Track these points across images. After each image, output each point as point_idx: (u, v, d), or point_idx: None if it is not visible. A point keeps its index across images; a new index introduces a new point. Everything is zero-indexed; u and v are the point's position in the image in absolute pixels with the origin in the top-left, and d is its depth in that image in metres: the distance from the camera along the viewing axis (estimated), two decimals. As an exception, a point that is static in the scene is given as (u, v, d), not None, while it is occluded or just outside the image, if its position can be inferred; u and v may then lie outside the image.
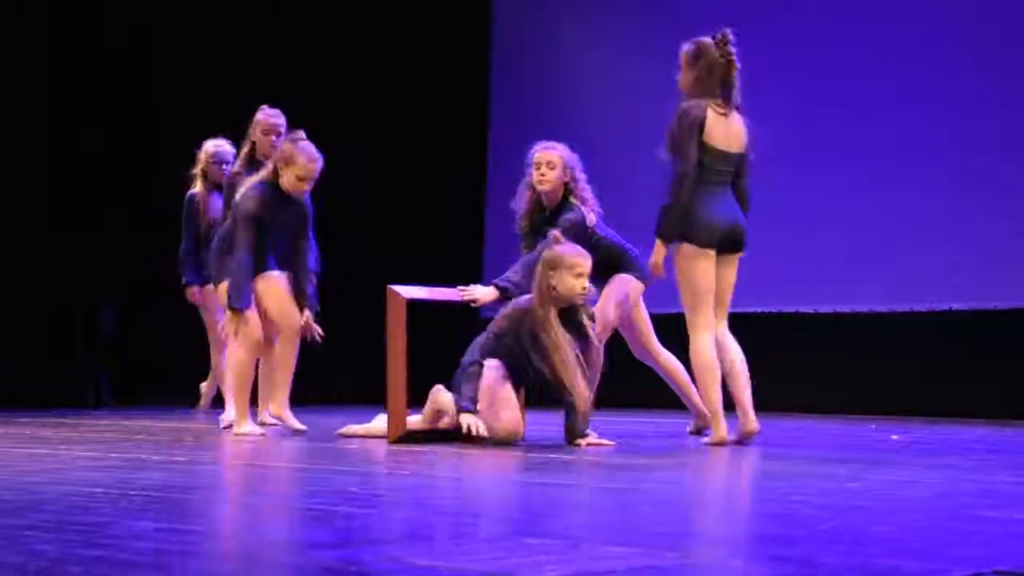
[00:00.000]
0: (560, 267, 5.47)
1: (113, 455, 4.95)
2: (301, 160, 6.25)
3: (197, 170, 7.68)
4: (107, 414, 8.10)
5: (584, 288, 5.48)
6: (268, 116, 6.92)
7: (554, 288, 5.47)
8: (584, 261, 5.51)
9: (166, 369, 9.22)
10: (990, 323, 8.48)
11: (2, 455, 5.01)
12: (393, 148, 10.24)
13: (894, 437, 6.40)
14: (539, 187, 6.23)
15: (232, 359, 6.42)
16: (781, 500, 3.74)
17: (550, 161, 6.20)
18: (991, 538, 2.91)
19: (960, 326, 8.55)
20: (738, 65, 5.65)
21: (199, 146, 7.71)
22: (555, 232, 5.67)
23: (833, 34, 9.12)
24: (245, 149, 7.00)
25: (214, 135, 7.75)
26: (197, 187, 7.68)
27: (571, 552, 2.62)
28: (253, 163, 6.81)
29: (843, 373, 8.78)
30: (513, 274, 5.95)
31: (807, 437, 6.54)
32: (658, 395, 7.07)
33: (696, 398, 6.25)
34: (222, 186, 7.24)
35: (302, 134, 6.34)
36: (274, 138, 6.84)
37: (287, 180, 6.27)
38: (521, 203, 6.36)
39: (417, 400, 5.90)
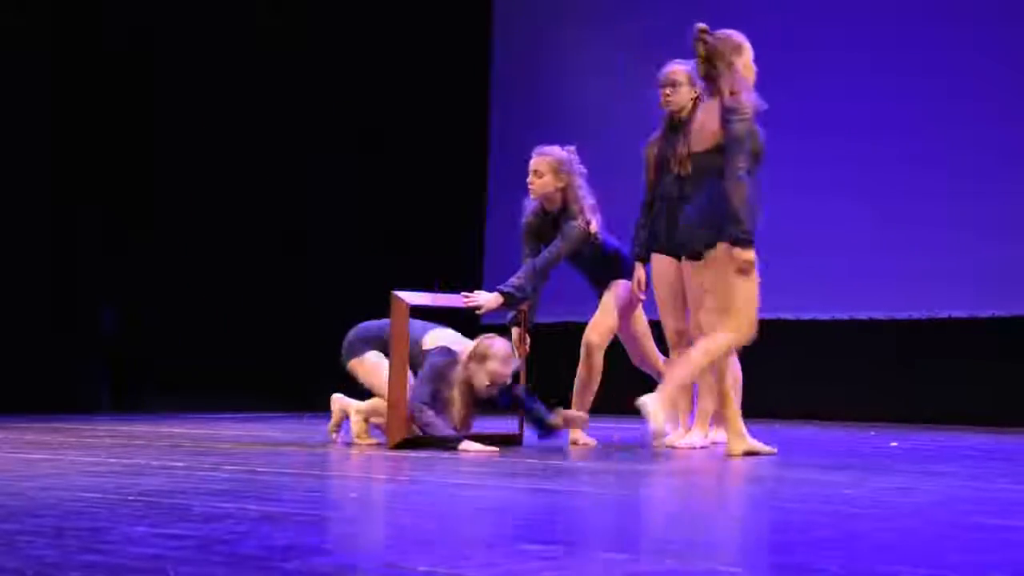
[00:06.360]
0: (486, 361, 5.62)
1: (112, 460, 4.95)
2: None
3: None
4: (106, 419, 8.08)
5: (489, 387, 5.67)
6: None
7: (471, 379, 5.63)
8: (508, 372, 5.66)
9: (166, 371, 9.21)
10: (989, 330, 8.47)
11: (0, 460, 5.00)
12: (393, 151, 10.23)
13: (893, 444, 6.40)
14: (531, 194, 6.19)
15: None
16: (780, 507, 3.74)
17: (536, 169, 6.14)
18: (990, 545, 2.91)
19: (959, 333, 8.54)
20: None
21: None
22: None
23: (827, 32, 9.13)
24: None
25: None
26: None
27: (569, 558, 2.62)
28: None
29: (842, 380, 8.77)
30: (517, 279, 5.93)
31: (806, 444, 6.53)
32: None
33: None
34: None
35: None
36: None
37: None
38: (527, 206, 6.32)
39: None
